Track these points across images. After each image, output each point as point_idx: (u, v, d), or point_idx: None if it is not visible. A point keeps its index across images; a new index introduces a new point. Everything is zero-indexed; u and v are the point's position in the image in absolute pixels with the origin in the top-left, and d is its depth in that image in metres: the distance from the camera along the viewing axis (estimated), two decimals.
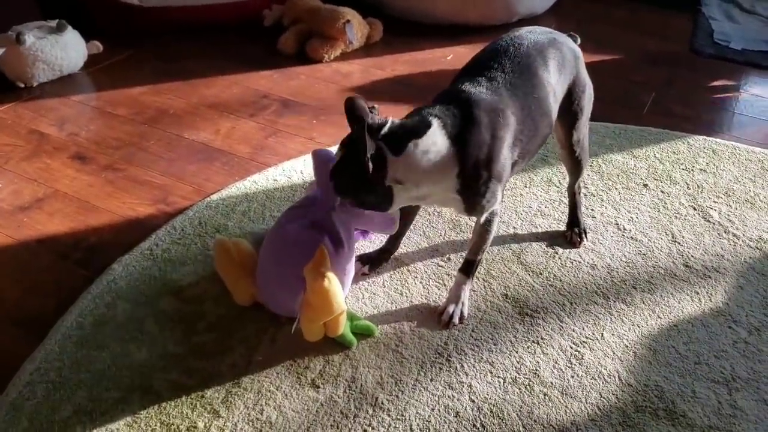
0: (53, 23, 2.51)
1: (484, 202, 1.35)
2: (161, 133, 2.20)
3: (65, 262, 1.66)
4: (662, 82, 2.68)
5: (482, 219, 1.43)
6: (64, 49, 2.48)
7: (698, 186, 1.96)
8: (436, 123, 1.26)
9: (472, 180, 1.30)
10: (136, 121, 2.26)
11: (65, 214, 1.81)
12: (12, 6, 2.63)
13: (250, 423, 1.27)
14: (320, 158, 1.45)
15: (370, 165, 1.21)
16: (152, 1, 2.79)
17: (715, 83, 2.70)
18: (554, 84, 1.43)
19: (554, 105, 1.45)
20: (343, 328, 1.39)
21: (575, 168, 1.67)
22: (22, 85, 2.44)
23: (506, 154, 1.32)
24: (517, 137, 1.34)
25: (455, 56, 2.80)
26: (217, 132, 2.22)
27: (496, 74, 1.36)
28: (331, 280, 1.30)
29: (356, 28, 2.75)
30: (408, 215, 1.61)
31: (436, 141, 1.25)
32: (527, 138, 1.37)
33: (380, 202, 1.30)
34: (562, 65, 1.46)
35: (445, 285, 1.59)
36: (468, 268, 1.50)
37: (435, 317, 1.49)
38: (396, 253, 1.67)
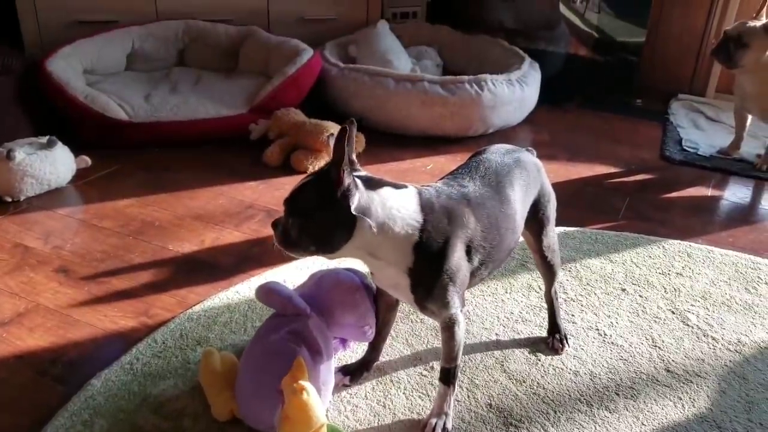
0: (44, 139, 2.58)
1: (432, 303, 1.36)
2: (146, 245, 2.22)
3: (43, 378, 1.62)
4: (636, 187, 2.78)
5: (441, 323, 1.43)
6: (53, 164, 2.54)
7: (675, 289, 2.00)
8: (413, 189, 1.35)
9: (425, 268, 1.32)
10: (121, 234, 2.29)
11: (46, 329, 1.80)
12: (4, 123, 2.71)
13: None
14: (265, 290, 1.51)
15: (346, 177, 1.21)
16: (141, 117, 2.90)
17: (686, 188, 2.81)
18: (520, 201, 1.52)
19: (520, 221, 1.53)
20: None
21: (548, 272, 1.71)
22: (9, 200, 2.47)
23: (461, 255, 1.35)
24: (479, 243, 1.39)
25: (435, 166, 2.90)
26: (201, 243, 2.25)
27: (468, 184, 1.45)
28: (310, 393, 1.29)
29: None
30: (385, 324, 1.62)
31: (409, 198, 1.31)
32: (490, 246, 1.43)
33: (337, 231, 1.25)
34: (528, 182, 1.56)
35: (428, 395, 1.57)
36: (445, 377, 1.48)
37: (419, 431, 1.47)
38: (378, 362, 1.66)
